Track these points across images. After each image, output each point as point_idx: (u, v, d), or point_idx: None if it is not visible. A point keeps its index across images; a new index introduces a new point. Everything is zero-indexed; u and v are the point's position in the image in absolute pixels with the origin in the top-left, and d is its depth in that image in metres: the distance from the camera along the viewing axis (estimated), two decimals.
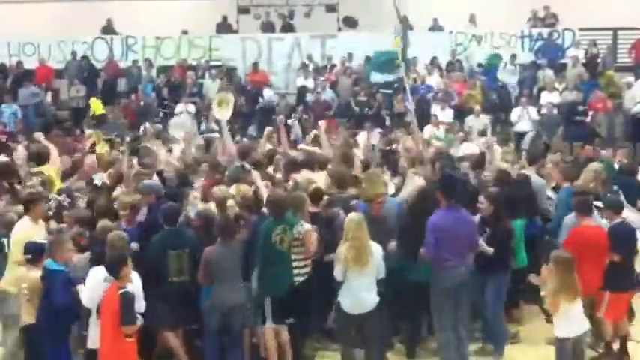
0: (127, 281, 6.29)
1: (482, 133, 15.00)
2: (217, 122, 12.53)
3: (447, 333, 7.24)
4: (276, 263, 7.34)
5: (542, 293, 6.63)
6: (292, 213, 7.50)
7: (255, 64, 19.90)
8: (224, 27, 21.82)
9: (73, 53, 20.57)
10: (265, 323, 7.40)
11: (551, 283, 6.70)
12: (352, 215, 7.14)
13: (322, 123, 11.75)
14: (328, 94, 18.91)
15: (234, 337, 7.42)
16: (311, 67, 20.05)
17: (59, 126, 18.31)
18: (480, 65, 19.73)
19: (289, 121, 16.19)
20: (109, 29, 21.65)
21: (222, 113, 10.84)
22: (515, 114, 17.53)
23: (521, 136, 17.02)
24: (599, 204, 8.17)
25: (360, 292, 6.93)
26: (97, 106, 19.09)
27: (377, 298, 7.01)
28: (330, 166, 9.42)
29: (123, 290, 6.19)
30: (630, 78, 18.26)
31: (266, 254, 7.37)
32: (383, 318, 7.24)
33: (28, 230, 7.35)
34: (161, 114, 19.01)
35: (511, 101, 18.45)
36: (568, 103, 17.74)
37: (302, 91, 19.30)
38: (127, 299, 6.17)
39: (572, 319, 6.67)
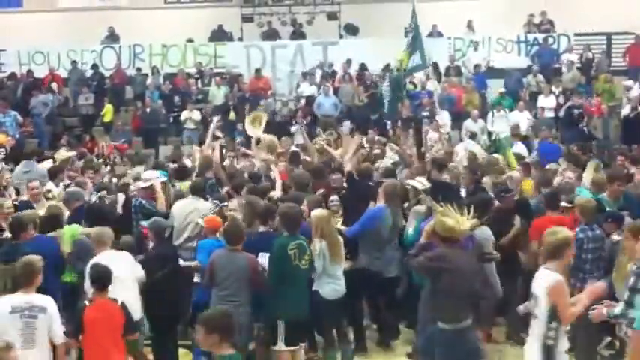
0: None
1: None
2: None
3: None
4: (292, 282, 6.95)
5: None
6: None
7: (258, 70, 20.31)
8: (221, 34, 22.21)
9: (74, 62, 21.01)
10: (276, 345, 6.99)
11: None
12: (320, 212, 7.50)
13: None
14: (331, 100, 19.24)
15: None
16: (317, 72, 20.38)
17: (69, 133, 18.86)
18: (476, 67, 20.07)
19: (292, 129, 16.61)
20: (111, 38, 22.15)
21: (255, 131, 11.63)
22: (511, 118, 17.87)
23: None
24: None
25: (339, 280, 7.48)
26: (108, 113, 19.71)
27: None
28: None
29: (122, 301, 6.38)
30: (629, 82, 18.42)
31: (281, 271, 6.93)
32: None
33: None
34: (171, 119, 19.49)
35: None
36: (564, 107, 17.99)
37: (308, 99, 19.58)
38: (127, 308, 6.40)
39: None
